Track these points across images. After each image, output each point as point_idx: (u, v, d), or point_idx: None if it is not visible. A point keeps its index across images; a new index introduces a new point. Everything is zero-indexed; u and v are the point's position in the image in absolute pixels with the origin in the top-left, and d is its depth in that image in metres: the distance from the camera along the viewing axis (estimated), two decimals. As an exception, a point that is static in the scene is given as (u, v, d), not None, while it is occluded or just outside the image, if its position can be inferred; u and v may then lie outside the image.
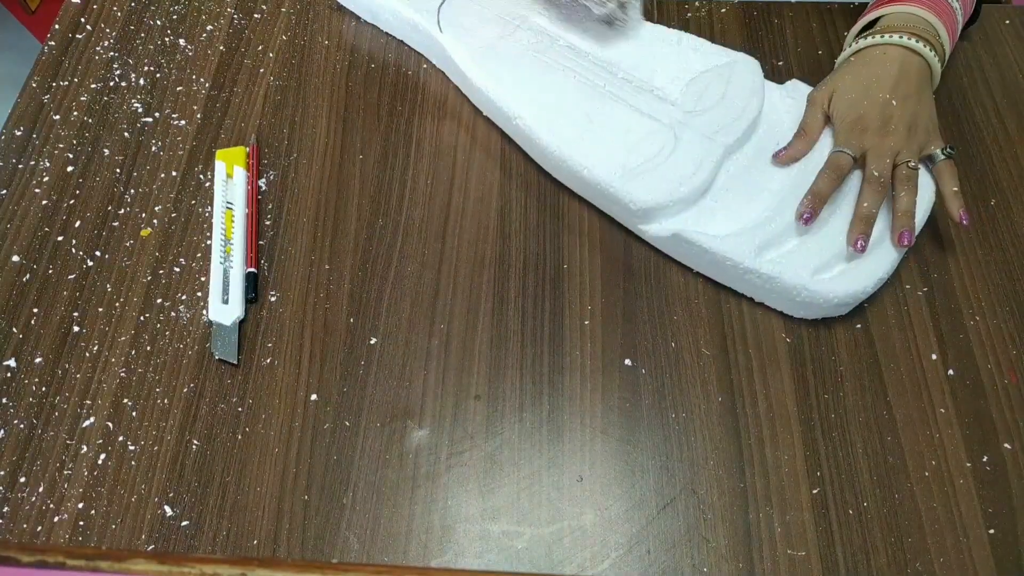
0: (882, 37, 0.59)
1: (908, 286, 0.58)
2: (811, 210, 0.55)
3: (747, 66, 0.62)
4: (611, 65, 0.63)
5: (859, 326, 0.56)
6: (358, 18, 0.72)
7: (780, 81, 0.63)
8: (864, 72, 0.59)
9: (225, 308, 0.56)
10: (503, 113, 0.62)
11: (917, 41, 0.58)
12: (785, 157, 0.59)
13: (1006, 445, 0.52)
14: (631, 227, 0.60)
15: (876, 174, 0.56)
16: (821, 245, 0.56)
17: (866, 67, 0.59)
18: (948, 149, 0.58)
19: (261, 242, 0.60)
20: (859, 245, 0.54)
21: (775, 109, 0.62)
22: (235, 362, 0.54)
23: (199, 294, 0.57)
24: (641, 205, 0.56)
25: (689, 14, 0.71)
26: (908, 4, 0.60)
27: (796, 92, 0.62)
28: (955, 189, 0.56)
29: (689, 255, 0.58)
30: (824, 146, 0.60)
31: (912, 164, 0.57)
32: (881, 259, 0.55)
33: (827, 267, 0.55)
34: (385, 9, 0.69)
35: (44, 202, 0.61)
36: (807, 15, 0.71)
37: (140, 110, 0.66)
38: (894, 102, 0.57)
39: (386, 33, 0.71)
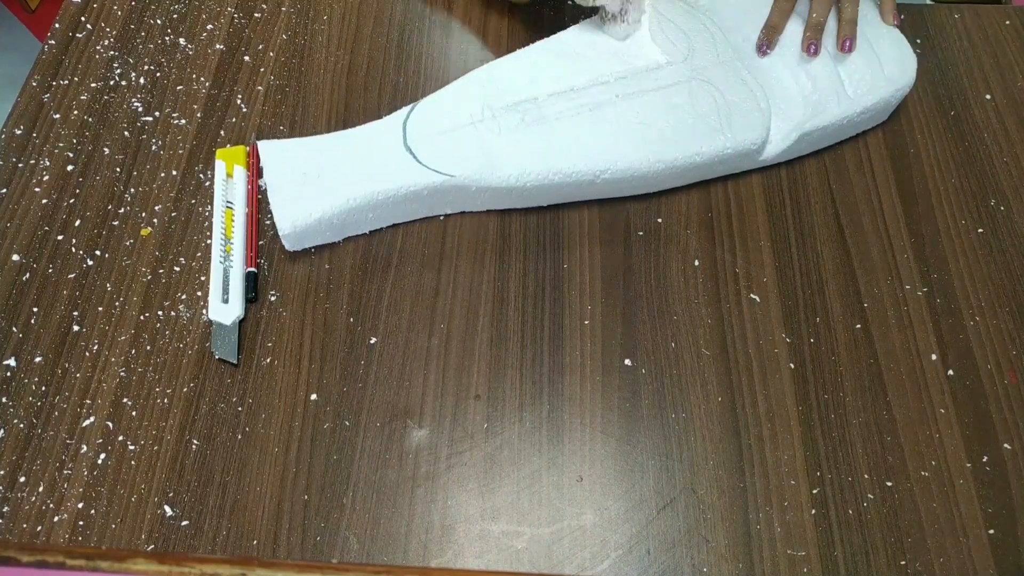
0: None
1: (908, 286, 0.58)
2: (767, 42, 0.62)
3: None
4: (596, 80, 0.61)
5: (859, 326, 0.56)
6: (359, 19, 0.72)
7: None
8: None
9: (225, 307, 0.56)
10: (584, 180, 0.58)
11: None
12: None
13: (1006, 445, 0.52)
14: (752, 167, 0.63)
15: None
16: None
17: None
18: None
19: (261, 242, 0.60)
20: (811, 49, 0.61)
21: None
22: (235, 362, 0.54)
23: (199, 293, 0.57)
24: (758, 140, 0.60)
25: None
26: None
27: None
28: None
29: (811, 143, 0.63)
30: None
31: None
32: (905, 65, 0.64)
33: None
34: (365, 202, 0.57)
35: (44, 201, 0.61)
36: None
37: (140, 109, 0.66)
38: None
39: (386, 33, 0.71)
